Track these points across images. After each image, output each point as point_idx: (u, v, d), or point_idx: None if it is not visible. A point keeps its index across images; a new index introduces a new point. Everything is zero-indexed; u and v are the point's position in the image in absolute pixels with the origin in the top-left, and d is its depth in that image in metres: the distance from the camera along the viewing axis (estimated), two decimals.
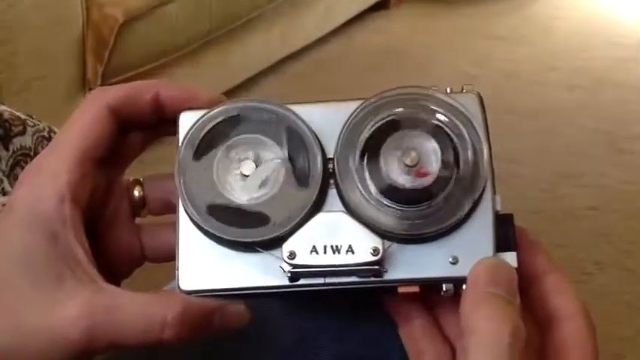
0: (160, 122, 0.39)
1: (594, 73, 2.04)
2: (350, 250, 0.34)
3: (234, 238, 0.35)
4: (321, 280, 0.35)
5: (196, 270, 0.36)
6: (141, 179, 0.41)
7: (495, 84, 1.97)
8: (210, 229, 0.35)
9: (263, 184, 0.36)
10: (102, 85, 1.47)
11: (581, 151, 1.74)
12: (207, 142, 0.36)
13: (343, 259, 0.34)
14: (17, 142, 0.56)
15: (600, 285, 1.38)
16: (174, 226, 0.37)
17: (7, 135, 0.55)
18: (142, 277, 0.44)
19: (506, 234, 0.36)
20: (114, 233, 0.40)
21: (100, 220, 0.39)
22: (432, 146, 0.36)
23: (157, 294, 0.35)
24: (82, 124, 0.37)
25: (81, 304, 0.34)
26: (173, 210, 0.37)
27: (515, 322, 0.32)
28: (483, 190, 0.35)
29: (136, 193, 0.40)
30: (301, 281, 0.35)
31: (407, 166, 0.35)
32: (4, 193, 0.52)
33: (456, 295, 0.35)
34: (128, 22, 1.45)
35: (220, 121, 0.37)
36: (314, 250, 0.34)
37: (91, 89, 1.46)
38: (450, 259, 0.35)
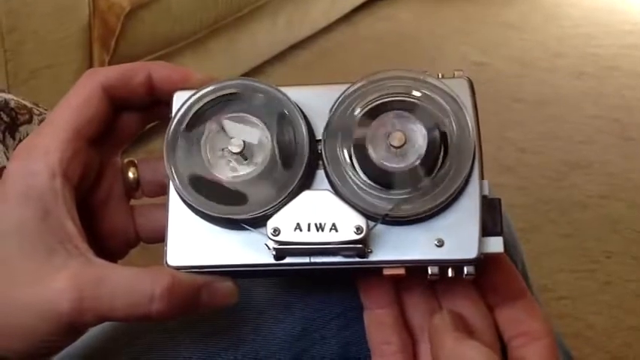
0: (154, 104, 0.39)
1: (602, 60, 2.03)
2: (334, 228, 0.35)
3: (221, 215, 0.35)
4: (306, 260, 0.35)
5: (184, 246, 0.36)
6: (135, 161, 0.41)
7: (503, 72, 1.96)
8: (198, 206, 0.36)
9: (251, 162, 0.36)
10: None
11: (590, 139, 1.73)
12: (196, 121, 0.37)
13: (327, 236, 0.34)
14: (24, 131, 0.56)
15: (608, 274, 1.38)
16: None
17: (14, 123, 0.55)
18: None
19: (493, 218, 0.36)
20: (108, 213, 0.40)
21: (93, 199, 0.40)
22: (419, 129, 0.36)
23: (145, 268, 0.36)
24: (76, 102, 0.38)
25: (70, 276, 0.34)
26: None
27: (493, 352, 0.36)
28: (470, 174, 0.35)
29: (131, 174, 0.41)
30: (287, 260, 0.35)
31: (393, 147, 0.35)
32: None
33: (440, 282, 0.36)
34: (134, 10, 1.44)
35: (209, 101, 0.37)
36: (298, 227, 0.35)
37: None
38: (436, 242, 0.35)
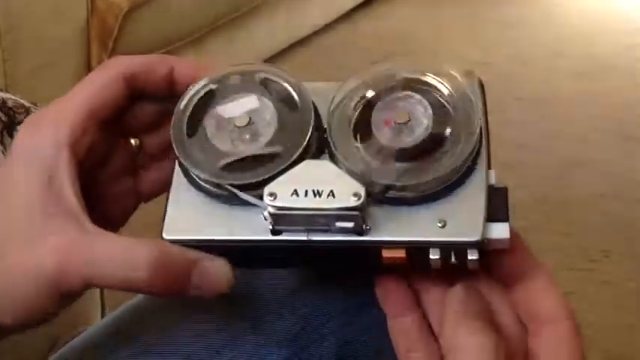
0: (172, 97, 0.40)
1: (602, 59, 2.03)
2: (331, 194, 0.34)
3: (220, 181, 0.35)
4: (303, 237, 0.34)
5: (182, 221, 0.36)
6: None
7: (502, 71, 1.96)
8: (198, 173, 0.36)
9: (256, 138, 0.36)
10: None
11: (589, 138, 1.73)
12: (203, 102, 0.37)
13: (324, 202, 0.34)
14: None
15: (607, 273, 1.38)
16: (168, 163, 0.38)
17: (12, 122, 0.55)
18: None
19: (498, 204, 0.35)
20: (112, 192, 0.41)
21: (98, 179, 0.40)
22: (424, 108, 0.36)
23: (138, 238, 0.35)
24: (94, 85, 0.38)
25: (59, 239, 0.35)
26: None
27: (494, 336, 0.34)
28: (476, 158, 0.35)
29: (133, 142, 0.41)
30: (284, 236, 0.35)
31: (397, 124, 0.35)
32: None
33: (445, 270, 0.35)
34: (132, 10, 1.44)
35: (219, 81, 0.38)
36: (295, 192, 0.34)
37: None
38: (438, 223, 0.34)
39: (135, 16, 1.46)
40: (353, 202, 0.33)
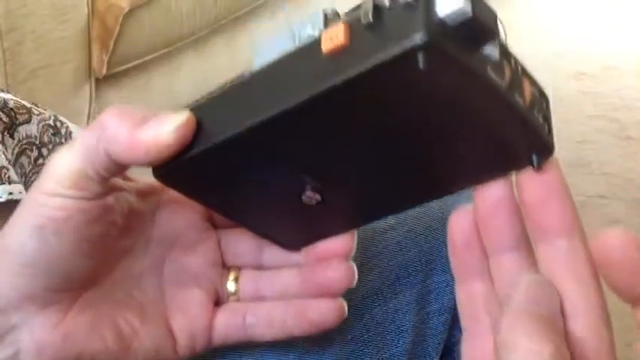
0: None
1: (601, 60, 2.03)
2: None
3: None
4: None
5: None
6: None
7: None
8: None
9: None
10: (107, 73, 1.47)
11: (589, 139, 1.73)
12: None
13: None
14: (23, 131, 0.56)
15: None
16: None
17: (13, 123, 0.55)
18: None
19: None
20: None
21: None
22: None
23: None
24: None
25: None
26: None
27: (556, 341, 0.29)
28: None
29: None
30: None
31: None
32: (10, 182, 0.52)
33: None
34: (133, 10, 1.44)
35: None
36: None
37: (96, 78, 1.46)
38: None
39: (135, 17, 1.46)
40: None
